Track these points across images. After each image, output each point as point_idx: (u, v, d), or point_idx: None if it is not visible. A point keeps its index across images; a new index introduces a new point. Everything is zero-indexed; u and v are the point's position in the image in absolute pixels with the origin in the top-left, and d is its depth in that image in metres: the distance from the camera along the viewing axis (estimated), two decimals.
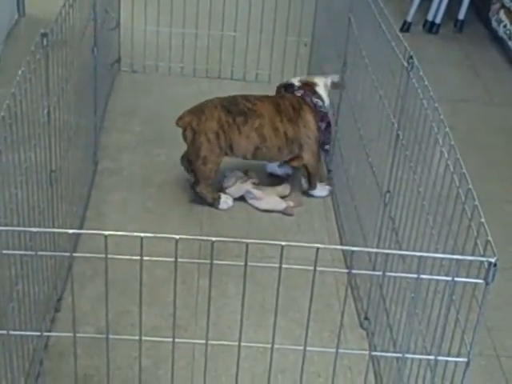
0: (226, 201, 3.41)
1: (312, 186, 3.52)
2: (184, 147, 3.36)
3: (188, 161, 3.40)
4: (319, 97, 3.46)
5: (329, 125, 3.46)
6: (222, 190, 3.42)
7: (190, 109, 3.35)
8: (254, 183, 3.45)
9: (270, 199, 3.43)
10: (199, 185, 3.36)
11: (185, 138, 3.32)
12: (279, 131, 3.35)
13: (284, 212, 3.41)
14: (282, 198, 3.45)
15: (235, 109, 3.33)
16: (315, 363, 2.54)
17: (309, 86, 3.48)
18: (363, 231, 2.94)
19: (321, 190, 3.55)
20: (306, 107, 3.42)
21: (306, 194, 3.52)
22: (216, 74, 4.51)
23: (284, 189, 3.50)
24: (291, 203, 3.43)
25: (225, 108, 3.33)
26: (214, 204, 3.39)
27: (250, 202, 3.42)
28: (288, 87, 3.50)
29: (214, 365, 2.50)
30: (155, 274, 2.82)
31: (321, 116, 3.42)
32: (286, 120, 3.37)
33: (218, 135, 3.29)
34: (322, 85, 3.50)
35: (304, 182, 3.53)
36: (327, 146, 3.51)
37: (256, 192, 3.41)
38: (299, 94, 3.45)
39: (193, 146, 3.31)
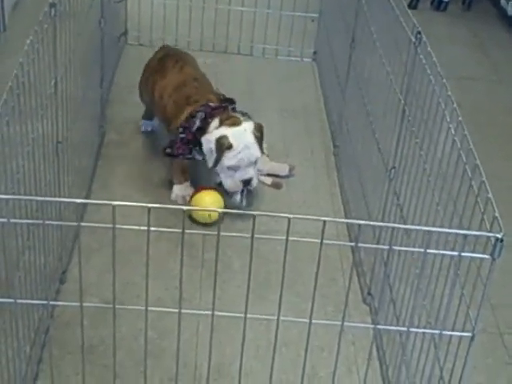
0: (147, 123, 3.66)
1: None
2: None
3: None
4: (204, 126, 3.08)
5: (187, 142, 3.12)
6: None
7: (167, 46, 3.66)
8: None
9: (271, 165, 3.47)
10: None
11: None
12: (162, 101, 3.30)
13: (276, 182, 3.43)
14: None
15: (164, 59, 3.46)
16: (319, 337, 2.55)
17: (227, 119, 3.08)
18: (368, 207, 2.94)
19: (176, 189, 3.27)
20: (190, 108, 3.15)
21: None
22: (223, 48, 4.50)
23: (281, 168, 3.51)
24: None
25: (164, 55, 3.49)
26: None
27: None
28: (226, 101, 3.22)
29: (218, 337, 2.51)
30: (159, 248, 2.84)
31: (184, 126, 3.13)
32: (172, 99, 3.25)
33: (145, 68, 3.54)
34: (215, 133, 3.04)
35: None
36: (168, 150, 3.16)
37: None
38: (211, 104, 3.14)
39: None
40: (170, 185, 3.30)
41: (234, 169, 3.06)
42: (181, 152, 3.14)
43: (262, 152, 3.20)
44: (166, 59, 3.43)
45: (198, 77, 3.36)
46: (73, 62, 2.71)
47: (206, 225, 3.02)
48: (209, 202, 3.08)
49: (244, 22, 4.44)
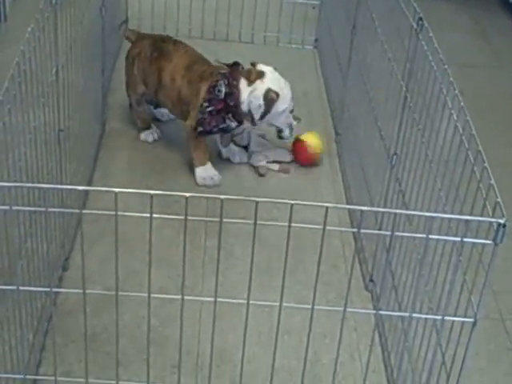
0: (147, 134, 3.53)
1: (193, 160, 3.33)
2: None
3: None
4: (233, 91, 3.16)
5: (218, 113, 3.18)
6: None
7: (139, 32, 3.63)
8: (260, 135, 3.54)
9: (275, 151, 3.49)
10: (130, 108, 3.55)
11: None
12: (175, 84, 3.29)
13: (284, 168, 3.46)
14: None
15: (159, 45, 3.39)
16: (321, 324, 2.56)
17: (252, 75, 3.19)
18: (370, 194, 2.94)
19: (201, 172, 3.29)
20: (207, 83, 3.19)
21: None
22: (224, 36, 4.49)
23: (283, 153, 3.51)
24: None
25: (154, 42, 3.42)
26: (138, 132, 3.54)
27: (258, 163, 3.42)
28: (234, 65, 3.25)
29: (220, 324, 2.51)
30: (162, 235, 2.84)
31: (209, 98, 3.18)
32: (186, 79, 3.25)
33: (133, 60, 3.43)
34: (257, 89, 3.17)
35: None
36: (200, 129, 3.20)
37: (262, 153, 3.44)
38: (222, 71, 3.20)
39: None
40: (173, 172, 3.30)
41: (285, 110, 3.26)
42: (214, 124, 3.20)
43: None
44: (161, 44, 3.39)
45: (203, 57, 3.38)
46: (74, 49, 2.71)
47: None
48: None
49: (245, 10, 4.43)
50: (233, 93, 3.17)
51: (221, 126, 3.21)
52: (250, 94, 3.17)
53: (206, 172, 3.29)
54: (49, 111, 2.41)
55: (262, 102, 3.17)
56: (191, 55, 3.35)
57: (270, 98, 3.18)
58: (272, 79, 3.22)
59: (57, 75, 2.44)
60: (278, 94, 3.20)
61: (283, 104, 3.24)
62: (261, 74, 3.20)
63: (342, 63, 3.64)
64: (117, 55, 4.11)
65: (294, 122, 3.36)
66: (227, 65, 3.25)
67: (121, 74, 3.69)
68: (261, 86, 3.18)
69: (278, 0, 4.46)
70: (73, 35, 2.68)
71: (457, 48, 4.67)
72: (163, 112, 3.63)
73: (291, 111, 3.33)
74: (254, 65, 3.26)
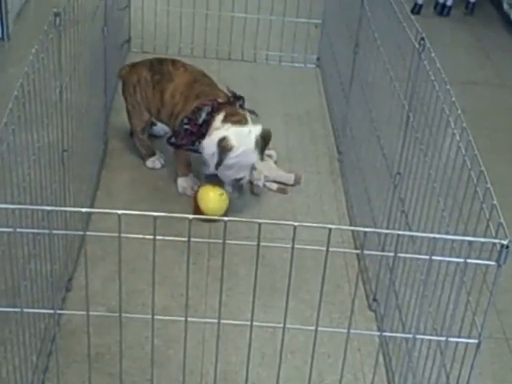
0: (154, 160, 3.50)
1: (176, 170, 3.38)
2: None
3: None
4: (210, 121, 3.08)
5: (191, 134, 3.14)
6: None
7: (130, 63, 3.54)
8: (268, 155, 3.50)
9: (278, 173, 3.47)
10: (133, 136, 3.54)
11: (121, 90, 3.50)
12: (173, 100, 3.28)
13: (282, 188, 3.44)
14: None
15: (158, 68, 3.37)
16: (325, 344, 2.55)
17: (233, 115, 3.09)
18: (373, 213, 2.94)
19: (181, 182, 3.33)
20: (198, 101, 3.15)
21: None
22: (226, 55, 4.50)
23: (287, 177, 3.50)
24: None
25: (151, 65, 3.40)
26: (143, 159, 3.51)
27: (256, 182, 3.41)
28: (235, 98, 3.19)
29: (224, 345, 2.51)
30: (164, 255, 2.83)
31: (190, 118, 3.14)
32: (184, 96, 3.24)
33: (135, 89, 3.39)
34: (214, 134, 3.06)
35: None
36: (172, 140, 3.21)
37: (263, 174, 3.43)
38: (219, 100, 3.14)
39: (123, 98, 3.48)
40: (176, 192, 3.31)
41: (229, 167, 3.08)
42: (184, 143, 3.18)
43: (262, 159, 3.21)
44: (160, 66, 3.37)
45: (205, 74, 3.38)
46: (77, 70, 2.72)
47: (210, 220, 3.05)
48: (212, 197, 3.15)
49: (247, 29, 4.44)
50: (208, 122, 3.10)
51: (189, 147, 3.19)
52: (206, 140, 3.08)
53: (186, 182, 3.33)
54: (52, 131, 2.41)
55: (215, 149, 3.04)
56: (191, 72, 3.35)
57: (223, 147, 3.03)
58: (244, 133, 3.05)
59: (60, 95, 2.45)
60: (232, 148, 3.02)
61: (229, 160, 3.04)
62: (241, 121, 3.08)
63: (344, 82, 3.65)
64: None
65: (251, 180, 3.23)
66: (231, 96, 3.20)
67: None
68: (222, 132, 3.05)
69: (280, 19, 4.48)
70: (76, 55, 2.68)
71: (458, 65, 4.68)
72: (158, 129, 3.66)
73: (238, 180, 3.14)
74: (252, 112, 3.18)
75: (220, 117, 3.09)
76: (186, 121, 3.16)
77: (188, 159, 3.32)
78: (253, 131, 3.07)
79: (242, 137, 3.05)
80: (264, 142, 3.12)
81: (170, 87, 3.30)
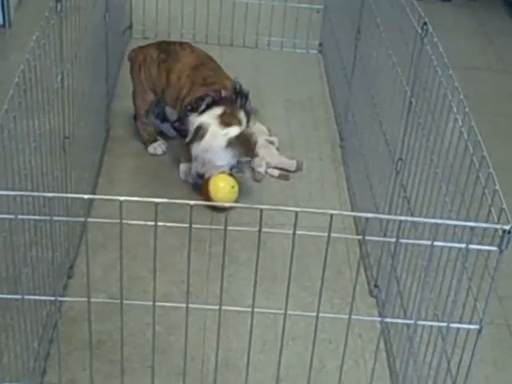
0: (156, 147, 3.50)
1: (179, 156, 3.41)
2: None
3: None
4: (211, 119, 3.10)
5: (179, 124, 3.25)
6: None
7: (141, 45, 3.55)
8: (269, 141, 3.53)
9: (280, 160, 3.47)
10: (136, 120, 3.53)
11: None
12: (179, 83, 3.27)
13: (284, 175, 3.44)
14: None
15: (165, 47, 3.38)
16: (326, 330, 2.56)
17: (225, 115, 3.11)
18: (375, 199, 2.94)
19: (184, 167, 3.34)
20: (204, 89, 3.17)
21: None
22: (228, 41, 4.49)
23: (289, 163, 3.50)
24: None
25: (159, 45, 3.42)
26: (145, 144, 3.51)
27: (257, 168, 3.41)
28: (239, 92, 3.20)
29: (225, 331, 2.52)
30: (166, 242, 2.83)
31: (192, 106, 3.18)
32: (190, 79, 3.24)
33: (140, 68, 3.40)
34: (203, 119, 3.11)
35: None
36: (176, 124, 3.30)
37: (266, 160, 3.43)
38: (223, 93, 3.14)
39: (131, 79, 3.49)
40: (178, 179, 3.31)
41: (194, 158, 3.15)
42: (185, 128, 3.20)
43: (237, 165, 3.24)
44: (167, 46, 3.39)
45: (211, 57, 3.37)
46: (79, 56, 2.71)
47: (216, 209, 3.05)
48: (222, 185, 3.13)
49: (249, 15, 4.43)
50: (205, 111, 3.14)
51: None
52: (194, 115, 3.14)
53: (188, 168, 3.31)
54: (54, 118, 2.41)
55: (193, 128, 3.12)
56: (198, 55, 3.36)
57: (196, 131, 3.09)
58: (218, 134, 3.08)
59: (62, 82, 2.44)
60: (201, 138, 3.08)
61: (195, 150, 3.12)
62: (230, 123, 3.10)
63: (347, 68, 3.63)
64: (121, 61, 4.11)
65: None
66: (238, 86, 3.19)
67: (125, 81, 3.71)
68: (206, 119, 3.10)
69: (282, 5, 4.46)
70: (77, 42, 2.68)
71: (460, 50, 4.66)
72: (167, 127, 3.61)
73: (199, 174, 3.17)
74: (251, 113, 3.21)
75: (215, 111, 3.11)
76: (189, 108, 3.17)
77: None
78: (230, 133, 3.09)
79: (216, 136, 3.08)
80: (243, 146, 3.10)
81: (177, 68, 3.29)
